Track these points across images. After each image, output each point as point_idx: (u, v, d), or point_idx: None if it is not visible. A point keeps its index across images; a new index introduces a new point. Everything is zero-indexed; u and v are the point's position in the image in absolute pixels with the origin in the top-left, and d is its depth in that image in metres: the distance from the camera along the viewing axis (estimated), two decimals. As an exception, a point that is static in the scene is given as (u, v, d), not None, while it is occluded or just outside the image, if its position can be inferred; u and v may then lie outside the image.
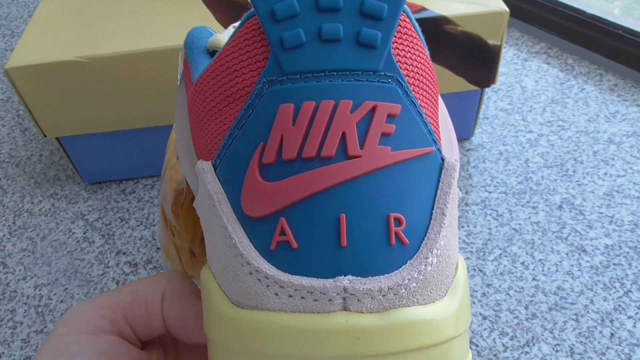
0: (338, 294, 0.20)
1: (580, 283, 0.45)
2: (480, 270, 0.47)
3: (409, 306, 0.21)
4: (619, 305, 0.44)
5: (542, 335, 0.42)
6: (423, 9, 0.48)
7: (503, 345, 0.42)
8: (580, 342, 0.42)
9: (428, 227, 0.22)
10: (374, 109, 0.21)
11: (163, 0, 0.52)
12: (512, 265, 0.47)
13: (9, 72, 0.46)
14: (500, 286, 0.46)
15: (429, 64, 0.24)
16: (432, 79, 0.24)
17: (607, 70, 0.66)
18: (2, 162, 0.62)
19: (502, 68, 0.67)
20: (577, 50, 0.69)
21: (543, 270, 0.46)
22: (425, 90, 0.23)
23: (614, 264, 0.46)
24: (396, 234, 0.21)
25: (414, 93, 0.22)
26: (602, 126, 0.59)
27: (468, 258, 0.48)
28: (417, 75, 0.23)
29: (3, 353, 0.45)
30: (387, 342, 0.20)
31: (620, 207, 0.51)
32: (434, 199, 0.22)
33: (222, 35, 0.29)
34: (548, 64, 0.68)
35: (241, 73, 0.23)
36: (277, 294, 0.21)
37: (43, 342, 0.26)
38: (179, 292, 0.27)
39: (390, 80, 0.22)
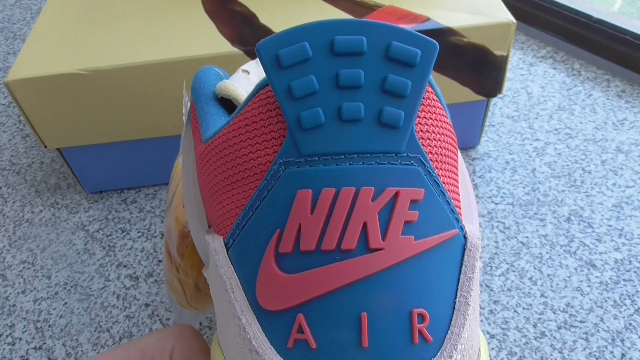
0: None
1: (590, 300, 0.45)
2: (487, 286, 0.46)
3: None
4: (630, 324, 0.43)
5: (552, 355, 0.42)
6: (428, 19, 0.47)
7: (511, 364, 0.41)
8: (590, 361, 0.41)
9: (451, 319, 0.21)
10: (396, 195, 0.20)
11: (164, 12, 0.52)
12: (519, 281, 0.46)
13: (9, 84, 0.45)
14: (508, 303, 0.45)
15: (451, 131, 0.23)
16: (453, 147, 0.23)
17: (614, 76, 0.65)
18: (2, 169, 0.61)
19: (507, 73, 0.66)
20: (584, 54, 0.68)
21: (551, 286, 0.46)
22: (448, 163, 0.22)
23: (624, 280, 0.46)
24: (420, 331, 0.20)
25: (436, 170, 0.21)
26: (610, 134, 0.58)
27: (475, 272, 0.47)
28: (440, 150, 0.22)
29: (3, 371, 0.44)
30: None
31: (629, 219, 0.50)
32: (457, 285, 0.21)
33: (231, 83, 0.28)
34: (554, 68, 0.67)
35: (256, 149, 0.22)
36: None
37: None
38: (188, 351, 0.26)
39: (412, 161, 0.21)
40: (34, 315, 0.47)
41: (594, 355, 0.41)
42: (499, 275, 0.47)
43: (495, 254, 0.48)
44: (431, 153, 0.21)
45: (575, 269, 0.47)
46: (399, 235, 0.20)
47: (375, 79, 0.20)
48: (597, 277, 0.46)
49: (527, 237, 0.49)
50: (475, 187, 0.54)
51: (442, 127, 0.22)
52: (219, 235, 0.23)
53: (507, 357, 0.42)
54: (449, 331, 0.20)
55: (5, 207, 0.57)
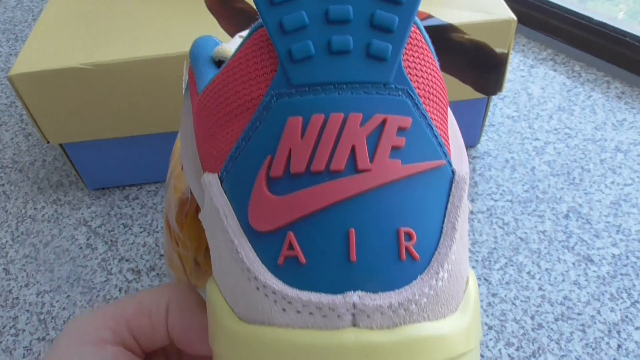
0: (347, 310, 0.20)
1: (587, 293, 0.45)
2: (485, 279, 0.46)
3: (419, 322, 0.20)
4: (626, 316, 0.43)
5: (549, 346, 0.42)
6: (430, 16, 0.48)
7: (509, 355, 0.42)
8: (587, 353, 0.41)
9: (439, 242, 0.21)
10: (384, 122, 0.21)
11: (168, 7, 0.52)
12: (518, 275, 0.47)
13: (12, 78, 0.46)
14: (506, 296, 0.45)
15: (439, 75, 0.24)
16: (442, 90, 0.24)
17: (614, 78, 0.65)
18: (5, 167, 0.62)
19: (508, 75, 0.67)
20: (584, 57, 0.69)
21: (549, 280, 0.46)
22: (436, 102, 0.23)
23: (621, 274, 0.46)
24: (407, 248, 0.20)
25: (424, 105, 0.22)
26: (610, 134, 0.58)
27: (474, 267, 0.47)
28: (427, 87, 0.23)
29: (4, 361, 0.45)
30: (397, 358, 0.20)
31: (627, 216, 0.50)
32: (445, 212, 0.22)
33: (228, 45, 0.29)
34: (555, 70, 0.67)
35: (249, 85, 0.22)
36: (284, 310, 0.20)
37: (46, 353, 0.26)
38: (184, 303, 0.27)
39: (400, 92, 0.21)
40: (37, 308, 0.48)
41: (591, 346, 0.42)
42: (498, 269, 0.47)
43: (494, 248, 0.49)
44: (418, 88, 0.22)
45: (573, 263, 0.47)
46: (387, 158, 0.21)
47: (364, 14, 0.21)
48: (594, 271, 0.46)
49: (525, 232, 0.50)
50: (475, 184, 0.55)
51: (429, 67, 0.23)
52: (214, 173, 0.23)
53: (505, 348, 0.42)
54: (437, 251, 0.21)
55: (8, 204, 0.57)
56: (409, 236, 0.21)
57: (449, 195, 0.22)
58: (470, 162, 0.57)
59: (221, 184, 0.23)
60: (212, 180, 0.23)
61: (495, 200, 0.53)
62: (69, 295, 0.48)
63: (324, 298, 0.20)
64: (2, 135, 0.66)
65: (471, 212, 0.52)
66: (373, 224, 0.20)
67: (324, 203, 0.20)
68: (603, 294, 0.45)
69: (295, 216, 0.21)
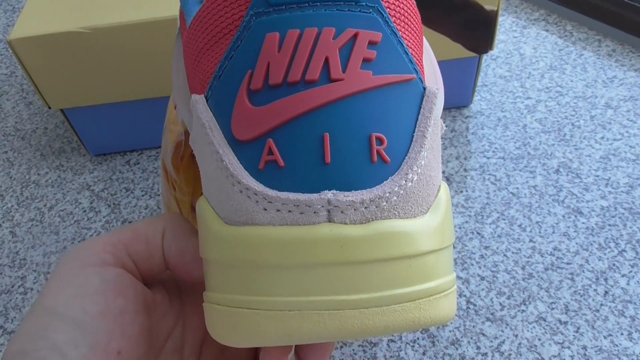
0: (322, 206, 0.22)
1: (576, 244, 0.46)
2: (478, 233, 0.48)
3: (390, 218, 0.22)
4: (614, 264, 0.45)
5: (538, 294, 0.43)
6: (419, -25, 0.48)
7: (500, 304, 0.43)
8: (575, 300, 0.43)
9: (409, 148, 0.23)
10: (355, 35, 0.22)
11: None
12: (509, 228, 0.48)
13: (12, 43, 0.47)
14: (497, 248, 0.47)
15: (412, 3, 0.25)
16: (414, 15, 0.25)
17: (605, 36, 0.66)
18: (8, 135, 0.63)
19: (500, 35, 0.68)
20: (576, 16, 0.69)
21: (540, 232, 0.47)
22: (407, 24, 0.24)
23: (609, 225, 0.47)
24: (378, 152, 0.22)
25: (395, 24, 0.24)
26: (600, 91, 0.59)
27: (467, 222, 0.49)
28: (398, 8, 0.24)
29: (15, 317, 0.46)
30: (369, 250, 0.22)
31: (616, 169, 0.51)
32: (416, 122, 0.23)
33: None
34: (547, 30, 0.68)
35: (230, 9, 0.24)
36: (265, 209, 0.22)
37: (49, 277, 0.27)
38: (178, 230, 0.28)
39: (371, 10, 0.23)
40: (44, 268, 0.49)
41: (579, 293, 0.43)
42: (490, 224, 0.48)
43: (487, 204, 0.50)
44: (389, 8, 0.23)
45: (563, 216, 0.48)
46: (358, 68, 0.22)
47: None
48: (583, 222, 0.48)
49: (517, 188, 0.51)
50: (468, 143, 0.56)
51: None
52: (200, 94, 0.25)
53: (497, 297, 0.43)
54: (407, 156, 0.23)
55: (12, 170, 0.59)
56: (380, 141, 0.22)
57: (420, 108, 0.24)
58: (463, 122, 0.58)
59: (207, 102, 0.24)
60: (198, 99, 0.24)
61: (488, 158, 0.54)
62: (74, 256, 0.50)
63: (301, 196, 0.22)
64: (4, 104, 0.67)
65: (464, 170, 0.53)
66: (346, 129, 0.22)
67: (300, 110, 0.22)
68: (591, 244, 0.46)
69: (274, 124, 0.22)
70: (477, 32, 0.51)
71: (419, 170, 0.23)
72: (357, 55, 0.22)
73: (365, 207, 0.22)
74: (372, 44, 0.23)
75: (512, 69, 0.64)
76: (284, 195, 0.22)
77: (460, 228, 0.48)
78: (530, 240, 0.47)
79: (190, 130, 0.27)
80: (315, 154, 0.22)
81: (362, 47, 0.22)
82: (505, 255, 0.46)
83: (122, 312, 0.26)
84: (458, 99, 0.59)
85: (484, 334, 0.42)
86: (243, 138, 0.23)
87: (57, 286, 0.26)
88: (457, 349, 0.41)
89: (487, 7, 0.49)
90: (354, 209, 0.22)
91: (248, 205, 0.22)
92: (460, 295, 0.44)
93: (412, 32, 0.25)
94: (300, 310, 0.22)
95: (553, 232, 0.47)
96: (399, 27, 0.24)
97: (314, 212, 0.22)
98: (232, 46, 0.23)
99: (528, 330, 0.41)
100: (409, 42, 0.24)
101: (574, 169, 0.52)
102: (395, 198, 0.22)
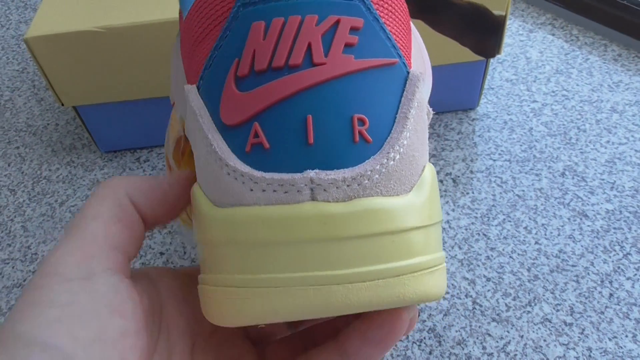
0: (306, 184, 0.22)
1: (581, 246, 0.47)
2: (484, 234, 0.48)
3: (372, 196, 0.23)
4: (619, 267, 0.45)
5: (544, 295, 0.44)
6: (430, -21, 0.49)
7: (506, 305, 0.44)
8: (580, 302, 0.43)
9: (392, 128, 0.24)
10: (337, 22, 0.23)
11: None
12: (515, 230, 0.49)
13: (28, 41, 0.48)
14: (503, 249, 0.47)
15: None
16: (399, 5, 0.26)
17: (611, 41, 0.67)
18: (19, 131, 0.64)
19: (507, 39, 0.69)
20: (582, 21, 0.70)
21: (545, 235, 0.48)
22: (391, 12, 0.25)
23: (614, 228, 0.48)
24: (360, 132, 0.23)
25: (377, 11, 0.25)
26: (606, 95, 0.60)
27: (473, 223, 0.49)
28: None
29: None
30: (351, 226, 0.23)
31: (621, 173, 0.52)
32: (399, 105, 0.24)
33: None
34: (553, 35, 0.69)
35: (220, 1, 0.25)
36: (252, 190, 0.23)
37: (21, 292, 0.26)
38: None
39: None
40: (54, 262, 0.50)
41: (584, 295, 0.44)
42: (496, 225, 0.49)
43: (493, 206, 0.51)
44: None
45: (569, 218, 0.49)
46: (340, 53, 0.23)
47: None
48: (588, 225, 0.48)
49: (523, 190, 0.52)
50: (475, 145, 0.56)
51: None
52: (193, 84, 0.26)
53: (502, 298, 0.44)
54: (389, 137, 0.24)
55: (24, 165, 0.59)
56: (362, 122, 0.23)
57: (403, 90, 0.25)
58: (470, 124, 0.59)
59: (198, 91, 0.25)
60: (190, 89, 0.25)
61: (494, 160, 0.55)
62: (85, 251, 0.50)
63: (285, 176, 0.23)
64: (16, 100, 0.68)
65: (471, 172, 0.54)
66: (329, 111, 0.23)
67: (284, 94, 0.23)
68: (596, 247, 0.47)
69: (259, 108, 0.23)
70: (486, 37, 0.52)
71: (402, 150, 0.23)
72: (339, 40, 0.23)
73: (348, 185, 0.23)
74: (354, 29, 0.24)
75: (518, 72, 0.64)
76: (269, 175, 0.23)
77: (466, 229, 0.49)
78: (536, 243, 0.47)
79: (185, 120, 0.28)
80: (298, 135, 0.23)
81: (344, 33, 0.23)
82: (511, 256, 0.47)
83: (122, 335, 0.23)
84: (465, 102, 0.59)
85: (489, 335, 0.42)
86: (231, 123, 0.24)
87: (33, 307, 0.21)
88: (463, 348, 0.42)
89: (496, 12, 0.50)
90: (336, 187, 0.23)
91: (236, 187, 0.23)
92: (466, 296, 0.44)
93: (396, 19, 0.26)
94: (285, 287, 0.23)
95: (558, 235, 0.48)
96: (381, 14, 0.25)
97: (298, 191, 0.23)
98: (221, 36, 0.24)
99: (534, 331, 0.42)
100: (393, 28, 0.25)
101: (579, 172, 0.53)
102: (377, 176, 0.23)
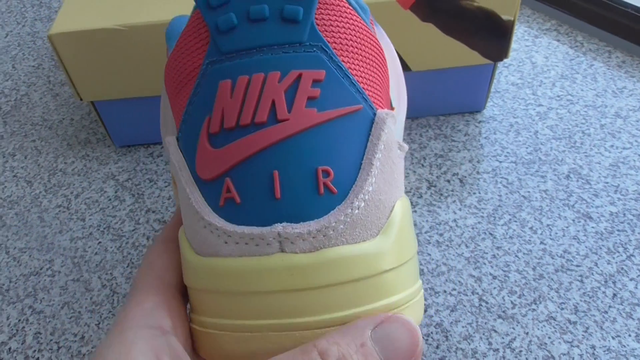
0: (274, 238, 0.24)
1: (586, 247, 0.48)
2: (490, 233, 0.50)
3: (337, 245, 0.24)
4: (622, 268, 0.46)
5: (549, 294, 0.45)
6: (443, -16, 0.50)
7: (512, 302, 0.45)
8: (585, 301, 0.45)
9: (357, 176, 0.25)
10: (299, 76, 0.24)
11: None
12: (521, 230, 0.50)
13: (51, 37, 0.49)
14: (509, 249, 0.48)
15: (363, 30, 0.27)
16: (366, 44, 0.27)
17: (615, 48, 0.68)
18: (35, 125, 0.65)
19: (513, 44, 0.70)
20: (587, 27, 0.71)
21: (550, 235, 0.49)
22: (356, 54, 0.26)
23: (618, 230, 0.49)
24: (325, 184, 0.24)
25: (340, 58, 0.25)
26: (610, 101, 0.61)
27: (479, 222, 0.51)
28: (345, 41, 0.26)
29: (43, 298, 0.48)
30: (318, 276, 0.24)
31: (625, 177, 0.53)
32: (365, 150, 0.25)
33: None
34: (558, 40, 0.70)
35: (191, 57, 0.26)
36: (226, 242, 0.25)
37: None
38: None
39: (315, 49, 0.25)
40: (71, 252, 0.51)
41: (588, 294, 0.45)
42: (502, 225, 0.50)
43: (499, 206, 0.52)
44: (335, 43, 0.25)
45: (573, 220, 0.50)
46: (303, 107, 0.24)
47: None
48: (593, 227, 0.50)
49: (528, 191, 0.53)
50: (481, 147, 0.58)
51: (349, 23, 0.26)
52: (173, 135, 0.28)
53: (508, 295, 0.45)
54: (354, 185, 0.25)
55: (40, 158, 0.61)
56: (326, 173, 0.24)
57: (369, 135, 0.26)
58: (476, 126, 0.60)
59: (178, 143, 0.27)
60: (170, 141, 0.27)
61: (500, 162, 0.56)
62: (100, 242, 0.51)
63: (255, 230, 0.24)
64: (32, 95, 0.69)
65: (477, 172, 0.55)
66: (293, 165, 0.24)
67: (251, 151, 0.24)
68: (600, 248, 0.48)
69: (230, 164, 0.24)
70: (494, 41, 0.53)
71: (367, 197, 0.25)
72: (301, 95, 0.24)
73: (313, 237, 0.24)
74: (316, 81, 0.25)
75: (524, 76, 0.65)
76: (240, 229, 0.24)
77: (472, 228, 0.50)
78: (541, 243, 0.49)
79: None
80: (266, 190, 0.24)
81: (306, 87, 0.24)
82: (516, 255, 0.48)
83: None
84: (472, 104, 0.61)
85: (495, 331, 0.43)
86: (206, 178, 0.25)
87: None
88: (469, 344, 0.43)
89: (505, 16, 0.51)
90: (303, 239, 0.24)
91: (212, 239, 0.25)
92: (472, 293, 0.46)
93: (363, 61, 0.26)
94: (260, 332, 0.25)
95: (563, 235, 0.49)
96: (345, 59, 0.26)
97: (267, 244, 0.24)
98: (193, 92, 0.26)
99: (538, 329, 0.43)
100: (358, 71, 0.26)
101: (584, 175, 0.54)
102: (342, 226, 0.24)
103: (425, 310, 0.45)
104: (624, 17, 0.67)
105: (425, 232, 0.50)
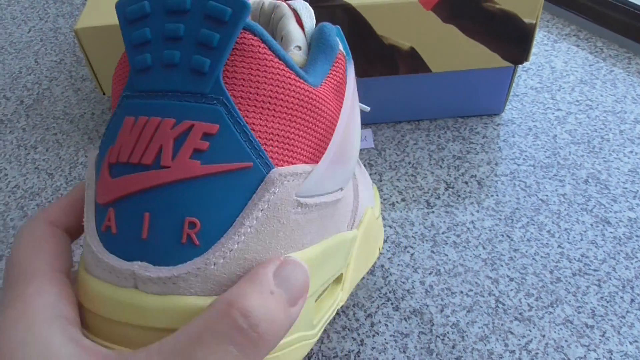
0: (130, 275, 0.25)
1: (604, 252, 0.48)
2: (508, 236, 0.50)
3: (185, 295, 0.25)
4: None
5: (566, 297, 0.45)
6: (465, -13, 0.51)
7: (528, 305, 0.45)
8: (602, 305, 0.45)
9: (226, 233, 0.25)
10: (191, 127, 0.25)
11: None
12: (538, 233, 0.50)
13: (77, 32, 0.49)
14: (527, 251, 0.49)
15: (285, 82, 0.27)
16: (286, 96, 0.27)
17: (635, 54, 0.68)
18: (57, 118, 0.65)
19: (533, 48, 0.70)
20: (607, 33, 0.71)
21: (568, 239, 0.49)
22: (265, 108, 0.26)
23: (637, 236, 0.49)
24: (188, 234, 0.25)
25: (242, 112, 0.26)
26: (629, 107, 0.61)
27: (497, 224, 0.51)
28: (254, 95, 0.26)
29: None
30: (164, 319, 0.25)
31: (643, 183, 0.53)
32: (244, 209, 0.26)
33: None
34: (577, 46, 0.70)
35: (118, 85, 0.28)
36: (97, 266, 0.26)
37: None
38: None
39: (215, 102, 0.25)
40: (91, 246, 0.51)
41: (605, 299, 0.45)
42: (520, 228, 0.50)
43: (517, 209, 0.52)
44: (241, 97, 0.26)
45: (591, 224, 0.50)
46: (187, 158, 0.25)
47: (194, 32, 0.25)
48: (611, 232, 0.50)
49: (546, 195, 0.53)
50: (499, 149, 0.58)
51: (265, 74, 0.26)
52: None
53: (525, 298, 0.45)
54: (219, 242, 0.25)
55: (61, 151, 0.61)
56: (193, 225, 0.25)
57: (253, 193, 0.26)
58: (494, 129, 0.60)
59: (96, 159, 0.28)
60: (91, 155, 0.29)
61: (519, 165, 0.56)
62: (120, 237, 0.52)
63: (117, 263, 0.25)
64: (53, 89, 0.69)
65: (495, 175, 0.55)
66: (164, 211, 0.25)
67: (133, 189, 0.25)
68: (618, 253, 0.48)
69: (116, 196, 0.25)
70: (515, 44, 0.53)
71: (228, 254, 0.25)
72: (188, 146, 0.25)
73: (164, 283, 0.25)
74: (206, 135, 0.25)
75: (543, 81, 0.66)
76: (107, 258, 0.25)
77: (490, 230, 0.50)
78: (559, 246, 0.49)
79: None
80: (136, 229, 0.25)
81: (196, 139, 0.25)
82: (534, 258, 0.48)
83: None
84: (491, 107, 0.61)
85: (512, 332, 0.44)
86: (100, 201, 0.26)
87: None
88: (485, 344, 0.43)
89: (526, 20, 0.51)
90: (153, 283, 0.25)
91: (90, 260, 0.26)
92: (489, 294, 0.46)
93: (274, 115, 0.27)
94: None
95: (581, 240, 0.49)
96: (247, 114, 0.26)
97: (125, 279, 0.25)
98: (111, 118, 0.27)
99: (555, 332, 0.43)
100: (262, 127, 0.26)
101: (602, 180, 0.54)
102: (192, 278, 0.25)
103: (442, 310, 0.45)
104: (645, 23, 0.67)
105: (443, 233, 0.50)
